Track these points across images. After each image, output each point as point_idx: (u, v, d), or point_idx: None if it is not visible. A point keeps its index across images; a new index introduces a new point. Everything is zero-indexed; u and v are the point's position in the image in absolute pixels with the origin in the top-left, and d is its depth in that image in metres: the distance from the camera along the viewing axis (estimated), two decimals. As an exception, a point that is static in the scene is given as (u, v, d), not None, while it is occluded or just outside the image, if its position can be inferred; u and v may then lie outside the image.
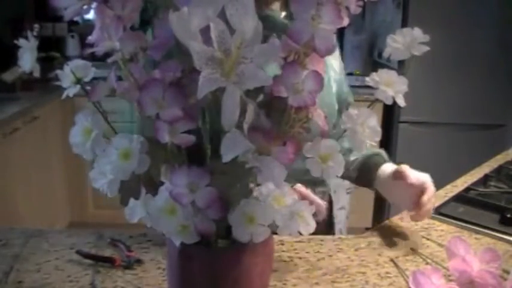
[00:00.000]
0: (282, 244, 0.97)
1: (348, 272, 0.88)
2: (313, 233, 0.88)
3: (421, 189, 0.94)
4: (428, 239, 1.01)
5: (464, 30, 2.63)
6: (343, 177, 1.15)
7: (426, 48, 0.61)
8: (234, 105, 0.48)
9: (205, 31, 0.47)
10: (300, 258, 0.93)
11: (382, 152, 1.11)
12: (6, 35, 2.67)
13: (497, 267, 0.75)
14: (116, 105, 0.71)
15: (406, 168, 0.97)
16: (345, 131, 0.61)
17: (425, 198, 0.93)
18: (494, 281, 0.74)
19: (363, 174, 1.10)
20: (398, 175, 0.96)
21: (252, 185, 0.57)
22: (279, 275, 0.86)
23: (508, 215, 1.09)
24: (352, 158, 1.11)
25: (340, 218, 2.88)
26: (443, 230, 1.07)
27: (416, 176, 0.96)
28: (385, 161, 1.07)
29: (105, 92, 0.55)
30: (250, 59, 0.47)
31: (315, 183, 1.09)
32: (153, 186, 0.56)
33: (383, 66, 0.71)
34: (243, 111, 0.50)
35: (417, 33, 0.61)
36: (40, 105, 2.48)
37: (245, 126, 0.50)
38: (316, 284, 0.84)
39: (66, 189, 2.85)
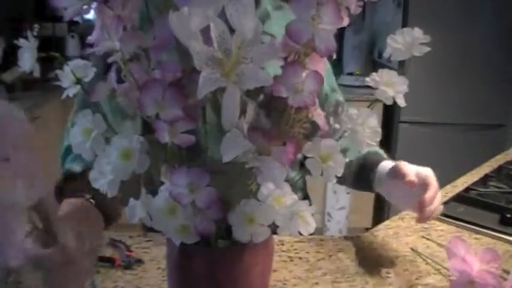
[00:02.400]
0: (282, 244, 0.97)
1: (348, 272, 0.88)
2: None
3: (423, 187, 0.85)
4: (428, 239, 1.01)
5: (464, 30, 2.63)
6: (341, 182, 1.07)
7: (427, 49, 0.61)
8: (234, 105, 0.48)
9: (205, 31, 0.47)
10: (300, 258, 0.93)
11: (380, 150, 1.02)
12: (6, 35, 2.67)
13: (498, 268, 0.75)
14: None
15: (403, 164, 0.88)
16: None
17: (426, 196, 0.84)
18: (494, 281, 0.74)
19: (360, 176, 1.01)
20: (395, 173, 0.88)
21: (254, 187, 0.57)
22: (279, 275, 0.86)
23: (508, 215, 1.09)
24: (346, 159, 1.05)
25: (340, 218, 2.89)
26: (443, 230, 1.07)
27: (415, 171, 0.86)
28: (383, 159, 0.98)
29: (105, 92, 0.55)
30: (250, 59, 0.47)
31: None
32: (153, 186, 0.56)
33: (383, 66, 0.71)
34: (243, 111, 0.50)
35: (417, 33, 0.61)
36: (40, 105, 2.48)
37: (245, 126, 0.50)
38: (316, 284, 0.84)
39: (66, 189, 2.85)
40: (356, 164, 1.02)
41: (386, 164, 0.95)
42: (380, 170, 0.95)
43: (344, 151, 1.02)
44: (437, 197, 0.86)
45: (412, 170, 0.86)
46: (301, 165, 1.14)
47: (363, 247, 0.98)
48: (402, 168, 0.86)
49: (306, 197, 1.18)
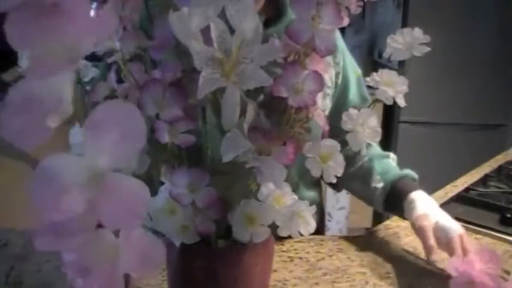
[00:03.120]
0: (282, 244, 0.96)
1: (348, 272, 0.88)
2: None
3: (448, 247, 0.85)
4: (428, 239, 1.01)
5: (464, 30, 2.63)
6: (369, 204, 1.06)
7: (427, 49, 0.61)
8: (234, 105, 0.48)
9: (205, 31, 0.47)
10: (300, 258, 0.92)
11: (409, 173, 1.00)
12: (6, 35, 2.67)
13: (497, 268, 0.75)
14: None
15: (426, 226, 0.87)
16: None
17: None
18: (493, 282, 0.74)
19: (390, 205, 0.99)
20: (419, 233, 0.89)
21: (254, 187, 0.57)
22: (279, 275, 0.86)
23: (508, 215, 1.09)
24: (374, 184, 1.01)
25: (340, 218, 2.88)
26: (443, 230, 1.06)
27: (438, 228, 0.87)
28: (411, 189, 0.95)
29: (105, 92, 0.55)
30: (251, 59, 0.47)
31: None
32: (153, 186, 0.56)
33: (383, 66, 0.72)
34: (243, 111, 0.50)
35: (417, 33, 0.61)
36: (40, 105, 2.48)
37: (245, 126, 0.50)
38: (316, 284, 0.84)
39: (66, 189, 2.85)
40: (385, 192, 0.99)
41: (414, 201, 0.93)
42: (408, 206, 0.93)
43: (380, 175, 0.99)
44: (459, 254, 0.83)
45: (430, 233, 0.86)
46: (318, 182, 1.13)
47: (363, 247, 0.98)
48: (425, 232, 0.87)
49: (322, 210, 1.17)
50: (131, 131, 0.30)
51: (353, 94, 1.03)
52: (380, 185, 1.00)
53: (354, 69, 1.05)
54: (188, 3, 0.46)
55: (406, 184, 0.97)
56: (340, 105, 1.00)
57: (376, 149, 1.08)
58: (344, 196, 2.71)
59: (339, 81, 1.01)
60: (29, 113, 0.30)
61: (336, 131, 0.61)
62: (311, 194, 1.07)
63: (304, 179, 1.02)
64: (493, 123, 2.77)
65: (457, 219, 1.10)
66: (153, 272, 0.33)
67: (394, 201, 0.97)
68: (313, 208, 0.61)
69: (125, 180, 0.31)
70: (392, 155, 1.07)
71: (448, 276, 0.83)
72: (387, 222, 1.11)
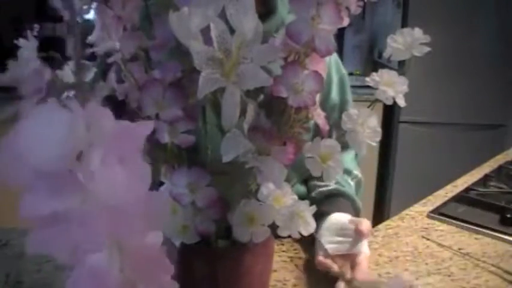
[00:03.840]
0: (282, 244, 0.96)
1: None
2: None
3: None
4: (428, 239, 1.01)
5: (464, 30, 2.63)
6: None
7: (427, 49, 0.61)
8: (234, 105, 0.48)
9: (205, 31, 0.47)
10: (300, 258, 0.92)
11: (348, 194, 0.95)
12: (6, 35, 2.67)
13: None
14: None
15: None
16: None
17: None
18: None
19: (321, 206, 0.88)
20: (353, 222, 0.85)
21: (254, 187, 0.57)
22: (279, 275, 0.86)
23: (508, 215, 1.09)
24: (315, 184, 0.98)
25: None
26: (443, 230, 1.07)
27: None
28: (337, 208, 0.90)
29: (105, 92, 0.55)
30: (251, 59, 0.47)
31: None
32: (153, 187, 0.56)
33: (383, 66, 0.71)
34: (243, 111, 0.50)
35: (418, 33, 0.61)
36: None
37: (245, 126, 0.50)
38: (316, 284, 0.84)
39: (66, 189, 2.85)
40: (316, 199, 0.95)
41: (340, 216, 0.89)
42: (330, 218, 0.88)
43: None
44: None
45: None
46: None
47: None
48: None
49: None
50: (156, 217, 0.31)
51: (334, 93, 1.02)
52: (319, 189, 0.96)
53: (337, 68, 1.04)
54: (188, 3, 0.46)
55: (335, 203, 0.93)
56: (322, 101, 0.99)
57: (348, 163, 1.02)
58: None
59: (325, 77, 1.00)
60: (56, 229, 0.29)
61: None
62: (303, 188, 1.08)
63: (301, 175, 1.02)
64: (493, 123, 2.77)
65: (457, 219, 1.10)
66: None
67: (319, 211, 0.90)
68: (313, 208, 0.61)
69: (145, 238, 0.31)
70: (355, 173, 1.01)
71: (449, 275, 0.83)
72: (387, 222, 1.11)
